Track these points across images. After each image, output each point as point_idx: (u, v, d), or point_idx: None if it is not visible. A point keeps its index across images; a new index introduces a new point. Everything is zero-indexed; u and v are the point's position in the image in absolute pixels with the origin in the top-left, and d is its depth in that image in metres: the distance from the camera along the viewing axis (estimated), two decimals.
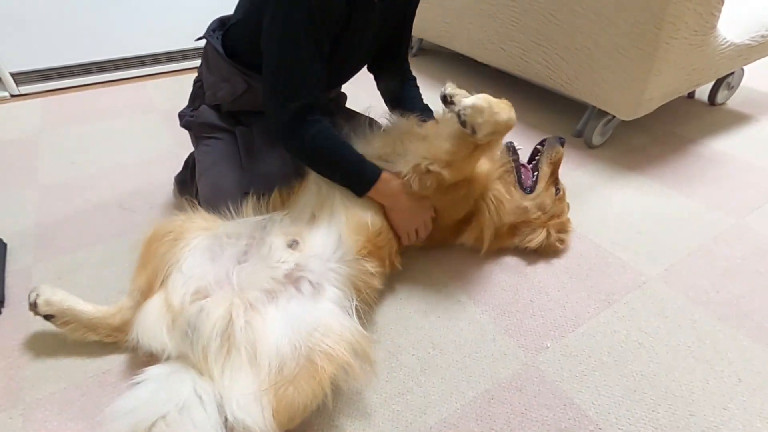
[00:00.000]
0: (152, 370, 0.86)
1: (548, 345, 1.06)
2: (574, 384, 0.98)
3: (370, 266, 1.04)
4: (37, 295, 0.98)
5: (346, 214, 1.07)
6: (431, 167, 1.05)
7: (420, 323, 1.11)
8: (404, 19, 1.28)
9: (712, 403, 0.94)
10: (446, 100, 1.26)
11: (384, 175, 1.09)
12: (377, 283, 1.06)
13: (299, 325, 0.89)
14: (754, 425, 0.90)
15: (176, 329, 0.88)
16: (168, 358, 0.88)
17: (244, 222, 1.06)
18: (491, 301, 1.17)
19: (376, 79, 1.42)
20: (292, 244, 1.01)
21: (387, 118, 1.30)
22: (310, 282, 0.96)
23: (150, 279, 0.97)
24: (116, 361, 1.02)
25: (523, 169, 1.29)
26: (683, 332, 1.08)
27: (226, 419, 0.80)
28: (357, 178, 1.09)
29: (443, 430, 0.90)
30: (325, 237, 1.03)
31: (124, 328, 0.99)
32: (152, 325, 0.90)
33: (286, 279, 0.95)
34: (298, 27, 0.98)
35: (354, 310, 0.97)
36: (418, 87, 1.41)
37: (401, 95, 1.37)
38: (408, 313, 1.13)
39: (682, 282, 1.22)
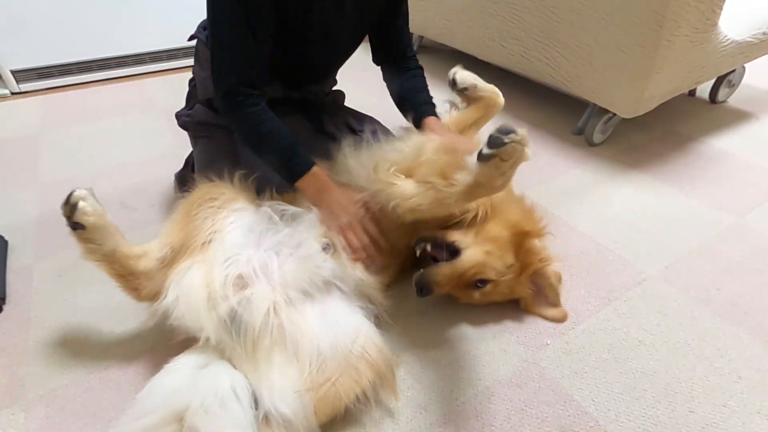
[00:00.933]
0: (185, 359, 0.88)
1: (548, 342, 1.06)
2: (574, 381, 0.98)
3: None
4: (83, 198, 0.89)
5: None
6: (397, 208, 0.97)
7: (420, 321, 1.11)
8: (390, 6, 1.24)
9: (712, 400, 0.94)
10: (454, 84, 1.26)
11: (315, 168, 1.07)
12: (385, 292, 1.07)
13: (338, 328, 0.91)
14: (753, 422, 0.90)
15: (218, 313, 0.88)
16: (204, 340, 0.88)
17: (276, 208, 1.05)
18: None
19: (381, 70, 1.41)
20: (326, 248, 1.01)
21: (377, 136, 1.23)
22: (341, 290, 0.98)
23: (186, 240, 0.96)
24: (117, 358, 1.02)
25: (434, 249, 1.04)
26: (683, 330, 1.09)
27: (258, 416, 0.82)
28: (287, 166, 1.07)
29: (444, 426, 0.90)
30: None
31: (140, 275, 0.94)
32: (195, 305, 0.88)
33: (322, 284, 0.97)
34: (224, 7, 0.98)
35: (374, 317, 1.00)
36: (423, 77, 1.36)
37: (402, 88, 1.34)
38: (408, 311, 1.14)
39: (682, 280, 1.22)
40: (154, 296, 0.94)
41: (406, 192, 0.96)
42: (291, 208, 1.06)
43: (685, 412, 0.92)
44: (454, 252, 1.03)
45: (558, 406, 0.93)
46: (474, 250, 1.03)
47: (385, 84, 1.39)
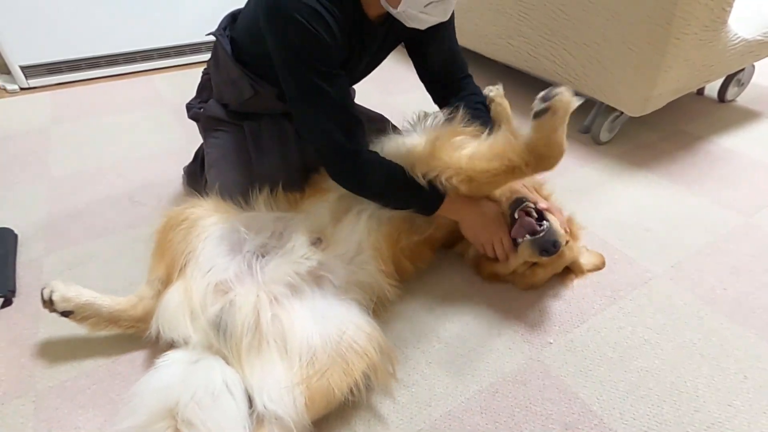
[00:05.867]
0: (176, 355, 0.88)
1: (551, 341, 1.06)
2: (578, 379, 0.98)
3: (387, 272, 1.05)
4: (52, 291, 0.95)
5: (367, 221, 1.06)
6: (451, 180, 1.02)
7: (425, 317, 1.12)
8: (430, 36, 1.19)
9: (718, 399, 0.94)
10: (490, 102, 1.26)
11: (449, 195, 1.06)
12: (391, 290, 1.06)
13: (328, 321, 0.92)
14: (759, 422, 0.90)
15: (202, 322, 0.90)
16: (192, 348, 0.90)
17: (262, 215, 1.07)
18: (496, 296, 1.17)
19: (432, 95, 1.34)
20: (316, 242, 1.01)
21: (410, 123, 1.23)
22: (332, 282, 0.99)
23: (169, 268, 0.98)
24: (125, 350, 1.03)
25: (523, 217, 1.08)
26: (689, 329, 1.08)
27: (252, 410, 0.83)
28: (426, 201, 1.06)
29: (448, 422, 0.90)
30: (347, 239, 1.04)
31: (146, 318, 0.98)
32: (174, 317, 0.91)
33: (308, 276, 0.97)
34: (316, 84, 0.96)
35: (371, 311, 1.00)
36: (476, 102, 1.29)
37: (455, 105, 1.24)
38: (413, 307, 1.14)
39: (689, 279, 1.21)
40: None
41: (466, 159, 1.01)
42: (270, 214, 1.07)
43: (691, 411, 0.92)
44: (541, 218, 1.08)
45: (562, 404, 0.93)
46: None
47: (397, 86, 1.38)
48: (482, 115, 1.25)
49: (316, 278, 0.98)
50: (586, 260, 1.20)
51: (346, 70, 1.11)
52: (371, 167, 1.04)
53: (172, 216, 1.04)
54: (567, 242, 1.10)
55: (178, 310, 0.92)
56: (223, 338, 0.88)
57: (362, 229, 1.06)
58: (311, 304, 0.94)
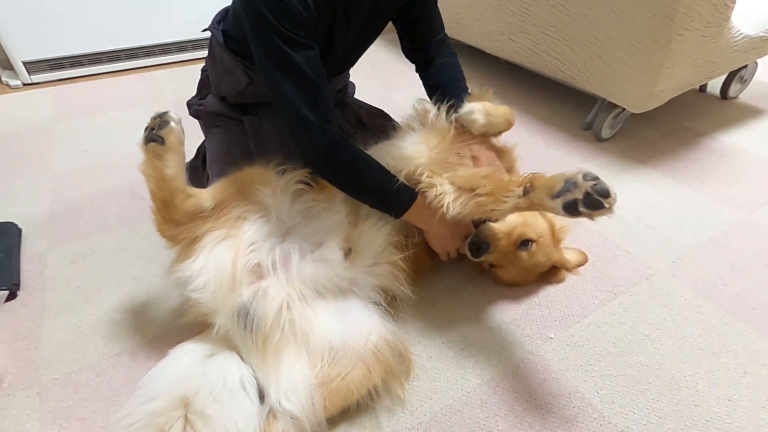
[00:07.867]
0: (191, 347, 0.89)
1: (552, 336, 1.06)
2: (578, 373, 0.98)
3: (401, 275, 1.05)
4: (175, 121, 0.96)
5: (388, 231, 1.06)
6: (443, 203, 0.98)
7: (426, 311, 1.12)
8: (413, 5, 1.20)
9: (717, 394, 0.94)
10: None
11: (419, 199, 1.03)
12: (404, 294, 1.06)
13: (351, 325, 0.93)
14: (758, 416, 0.90)
15: (233, 302, 0.89)
16: (216, 328, 0.90)
17: (294, 205, 1.05)
18: (497, 291, 1.17)
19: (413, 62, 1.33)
20: (348, 253, 1.01)
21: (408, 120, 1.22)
22: (356, 293, 1.00)
23: (228, 204, 0.98)
24: (129, 344, 1.04)
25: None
26: (690, 324, 1.09)
27: (263, 404, 0.84)
28: (391, 202, 1.03)
29: (449, 416, 0.91)
30: (368, 250, 1.03)
31: (178, 212, 0.94)
32: (217, 280, 0.90)
33: (337, 290, 0.98)
34: (284, 51, 0.95)
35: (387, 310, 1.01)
36: (456, 65, 1.28)
37: (434, 78, 1.26)
38: (415, 302, 1.14)
39: (690, 275, 1.22)
40: (173, 239, 0.95)
41: (448, 197, 0.98)
42: (318, 205, 1.06)
43: (690, 406, 0.92)
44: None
45: (563, 398, 0.94)
46: (513, 215, 1.07)
47: (396, 78, 1.36)
48: (458, 90, 1.23)
49: (342, 290, 0.99)
50: (571, 257, 1.17)
51: (332, 48, 1.10)
52: (340, 151, 1.00)
53: (261, 173, 1.03)
54: (531, 243, 1.07)
55: (224, 274, 0.89)
56: (247, 328, 0.87)
57: (382, 239, 1.05)
58: (335, 307, 0.95)
